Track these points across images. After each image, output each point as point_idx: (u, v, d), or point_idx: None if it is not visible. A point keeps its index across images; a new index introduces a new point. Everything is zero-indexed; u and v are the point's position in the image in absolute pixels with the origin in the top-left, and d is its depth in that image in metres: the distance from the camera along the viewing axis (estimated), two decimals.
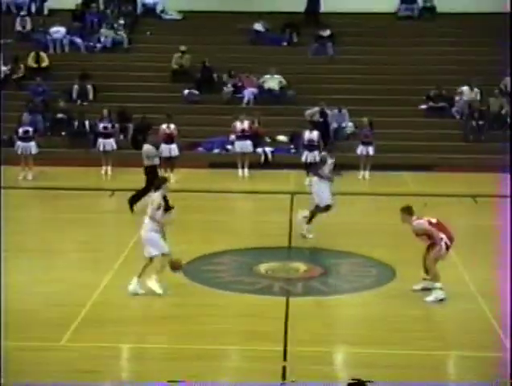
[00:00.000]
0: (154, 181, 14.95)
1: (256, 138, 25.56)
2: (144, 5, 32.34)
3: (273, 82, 28.16)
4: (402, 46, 29.63)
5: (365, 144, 24.43)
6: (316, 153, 23.50)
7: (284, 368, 10.75)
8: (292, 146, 26.26)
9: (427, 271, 13.75)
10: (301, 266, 15.37)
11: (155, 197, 13.54)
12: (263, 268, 15.23)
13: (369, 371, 10.51)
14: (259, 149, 25.87)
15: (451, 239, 13.62)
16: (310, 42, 30.09)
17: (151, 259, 13.58)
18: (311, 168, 17.45)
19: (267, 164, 25.55)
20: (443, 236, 13.52)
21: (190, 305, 13.12)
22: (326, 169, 17.40)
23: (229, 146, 25.92)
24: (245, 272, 15.01)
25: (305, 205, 20.02)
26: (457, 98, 27.20)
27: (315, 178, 17.59)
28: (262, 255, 16.08)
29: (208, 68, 28.69)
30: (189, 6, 31.49)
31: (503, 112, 26.67)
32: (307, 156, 23.62)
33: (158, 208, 13.44)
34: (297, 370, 10.73)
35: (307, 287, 14.28)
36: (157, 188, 13.75)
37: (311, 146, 23.65)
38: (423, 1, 31.35)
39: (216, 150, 26.33)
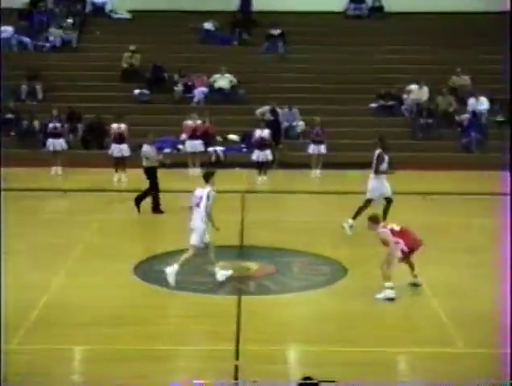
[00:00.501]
0: (208, 175, 14.42)
1: (207, 138, 25.56)
2: (93, 4, 32.15)
3: (223, 81, 28.17)
4: (351, 45, 29.82)
5: (317, 143, 24.56)
6: (268, 152, 23.56)
7: (236, 367, 10.77)
8: (243, 145, 26.30)
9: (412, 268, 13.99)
10: (253, 265, 15.39)
11: (210, 191, 13.96)
12: (215, 267, 15.20)
13: (321, 369, 10.55)
14: (210, 149, 25.87)
15: (411, 246, 13.77)
16: (260, 41, 30.14)
17: (200, 248, 14.06)
18: (373, 166, 17.69)
19: (219, 163, 25.55)
20: (400, 241, 13.67)
21: (142, 306, 13.07)
22: (384, 166, 17.68)
23: (180, 146, 25.87)
24: (197, 271, 14.99)
25: (255, 204, 20.12)
26: (406, 97, 27.44)
27: (371, 175, 17.78)
28: (215, 254, 16.04)
29: (158, 68, 28.61)
30: (138, 5, 31.38)
31: (451, 110, 26.96)
32: (259, 155, 23.67)
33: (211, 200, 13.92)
34: (249, 369, 10.74)
35: (259, 286, 14.31)
36: (207, 181, 14.12)
37: (262, 145, 23.71)
38: (372, 0, 31.57)
39: (167, 150, 26.24)
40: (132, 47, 28.97)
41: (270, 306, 13.36)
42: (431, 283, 14.29)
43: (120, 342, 11.64)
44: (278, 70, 28.89)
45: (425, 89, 27.30)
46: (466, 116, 26.58)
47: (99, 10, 32.06)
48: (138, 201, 19.24)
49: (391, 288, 13.59)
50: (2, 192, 20.36)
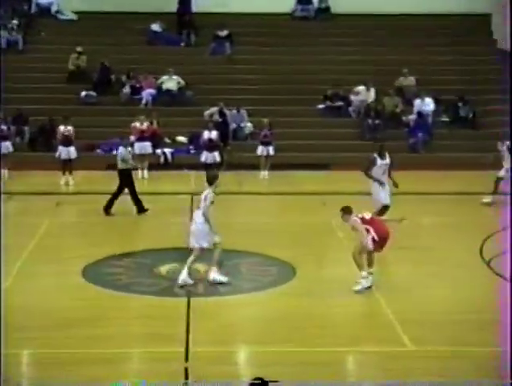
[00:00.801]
0: (211, 178, 14.66)
1: (155, 139, 25.47)
2: (38, 5, 31.83)
3: (171, 83, 28.11)
4: (298, 46, 29.93)
5: (265, 144, 24.63)
6: (216, 153, 23.57)
7: (186, 369, 10.76)
8: (192, 147, 26.26)
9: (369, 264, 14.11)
10: (202, 267, 15.37)
11: (208, 193, 14.17)
12: (164, 269, 15.19)
13: (271, 369, 10.59)
14: (158, 151, 25.80)
15: (381, 234, 13.98)
16: (208, 42, 30.12)
17: (202, 249, 14.08)
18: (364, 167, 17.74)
19: (167, 165, 25.49)
20: (370, 229, 13.89)
21: (90, 309, 12.99)
22: (378, 170, 17.62)
23: (129, 148, 25.70)
24: (146, 273, 14.95)
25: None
26: (353, 98, 27.64)
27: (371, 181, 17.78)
28: (163, 256, 16.04)
29: (105, 69, 28.44)
30: (84, 6, 31.12)
31: (397, 110, 27.22)
32: (207, 156, 23.66)
33: (212, 203, 14.14)
34: (199, 370, 10.74)
35: (207, 287, 14.29)
36: (210, 184, 14.31)
37: (210, 147, 23.71)
38: (319, 2, 31.73)
39: (114, 152, 26.08)
40: (79, 49, 28.78)
41: (220, 308, 13.37)
42: (379, 282, 14.41)
43: (69, 345, 11.56)
44: (226, 71, 28.91)
45: (372, 90, 27.53)
46: (412, 116, 26.86)
47: (45, 11, 31.75)
48: (108, 206, 19.29)
49: (366, 277, 13.80)
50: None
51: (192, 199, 20.54)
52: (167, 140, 26.38)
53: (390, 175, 17.73)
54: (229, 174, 24.06)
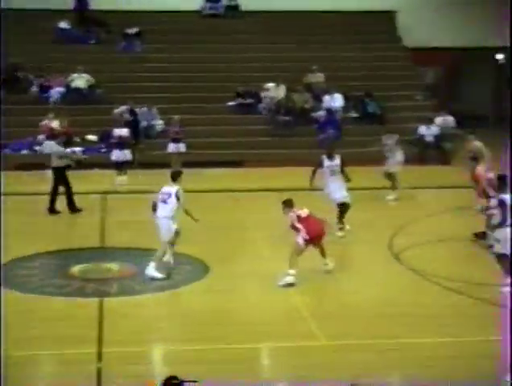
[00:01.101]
0: (175, 175, 15.35)
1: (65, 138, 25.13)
2: None
3: (80, 81, 27.80)
4: (208, 43, 29.94)
5: (176, 141, 24.57)
6: (127, 151, 23.41)
7: (99, 370, 10.70)
8: (102, 145, 26.02)
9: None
10: (114, 266, 15.29)
11: (179, 189, 14.83)
12: (76, 269, 15.06)
13: (185, 367, 10.59)
14: (68, 150, 25.46)
15: (312, 233, 14.33)
16: (117, 40, 29.90)
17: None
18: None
19: (77, 164, 25.17)
20: (301, 228, 14.26)
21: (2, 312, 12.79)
22: (326, 171, 17.61)
23: (38, 147, 25.40)
24: (58, 274, 14.80)
25: (115, 205, 19.97)
26: (264, 95, 27.79)
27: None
28: (75, 256, 15.90)
29: (13, 68, 27.95)
30: None
31: (307, 107, 27.47)
32: (118, 155, 23.49)
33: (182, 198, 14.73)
34: (113, 371, 10.69)
35: (121, 287, 14.22)
36: (175, 180, 14.99)
37: (121, 145, 23.53)
38: None
39: (23, 151, 25.72)
40: None
41: (133, 307, 13.31)
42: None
43: None
44: (136, 69, 28.74)
45: (282, 87, 27.71)
46: (322, 112, 27.15)
47: None
48: (52, 204, 19.29)
49: (293, 275, 14.09)
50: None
51: (103, 198, 20.40)
52: (77, 139, 26.07)
53: (343, 173, 17.70)
54: (140, 173, 24.04)
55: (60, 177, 19.38)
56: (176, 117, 24.83)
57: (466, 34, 30.97)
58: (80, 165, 20.60)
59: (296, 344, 11.76)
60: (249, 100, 27.90)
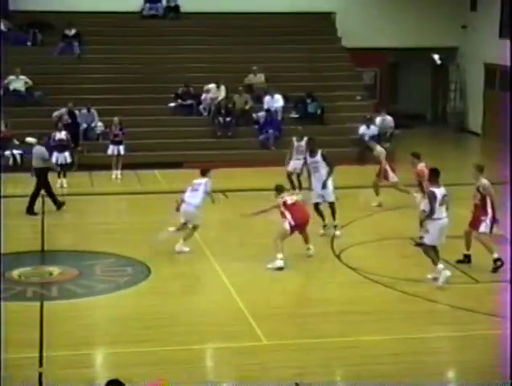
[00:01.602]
0: (205, 171, 16.87)
1: (3, 141, 24.87)
2: None
3: (18, 83, 27.46)
4: (148, 45, 29.81)
5: (116, 143, 24.45)
6: (67, 153, 23.20)
7: (40, 374, 10.63)
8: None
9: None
10: (55, 269, 15.18)
11: (207, 181, 16.46)
12: (16, 273, 14.92)
13: (128, 370, 10.60)
14: (7, 152, 25.20)
15: (298, 219, 15.36)
16: (56, 41, 29.60)
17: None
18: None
19: (17, 167, 24.93)
20: (287, 214, 15.35)
21: None
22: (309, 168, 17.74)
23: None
24: None
25: (55, 207, 19.79)
26: (204, 96, 27.79)
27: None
28: (15, 260, 15.74)
29: None
30: None
31: (247, 107, 27.54)
32: (58, 157, 23.26)
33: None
34: (54, 375, 10.63)
35: (61, 290, 14.13)
36: (204, 175, 16.60)
37: (60, 147, 23.31)
38: (167, 0, 31.71)
39: None
40: None
41: (74, 310, 13.23)
42: (233, 278, 14.62)
43: None
44: (75, 71, 28.48)
45: (222, 88, 27.73)
46: (262, 113, 27.24)
47: None
48: (30, 206, 19.37)
49: (281, 259, 15.08)
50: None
51: (42, 201, 20.20)
52: (16, 141, 25.77)
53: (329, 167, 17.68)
54: (80, 175, 23.85)
55: (42, 178, 19.71)
56: (116, 118, 24.69)
57: (403, 35, 31.32)
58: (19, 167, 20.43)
59: (239, 345, 11.82)
60: (189, 102, 27.86)
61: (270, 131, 26.71)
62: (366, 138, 25.49)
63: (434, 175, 14.60)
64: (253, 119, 27.36)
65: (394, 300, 13.82)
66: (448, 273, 14.22)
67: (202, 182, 16.47)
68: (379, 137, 25.91)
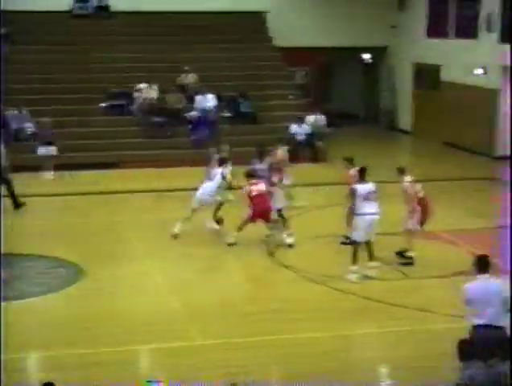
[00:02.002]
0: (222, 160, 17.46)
1: None
2: None
3: None
4: (79, 44, 29.54)
5: (47, 144, 24.19)
6: None
7: None
8: None
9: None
10: None
11: (225, 170, 17.00)
12: None
13: (60, 373, 10.52)
14: None
15: (258, 209, 16.23)
16: None
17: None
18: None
19: None
20: (250, 205, 16.35)
21: None
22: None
23: None
24: None
25: None
26: (136, 95, 27.66)
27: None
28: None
29: None
30: None
31: (180, 107, 27.48)
32: None
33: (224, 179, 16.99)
34: None
35: None
36: (221, 165, 17.13)
37: None
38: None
39: None
40: None
41: (6, 314, 13.05)
42: (167, 279, 14.61)
43: None
44: (5, 71, 28.09)
45: (154, 88, 27.64)
46: (195, 113, 27.21)
47: None
48: (15, 202, 19.78)
49: (235, 237, 16.47)
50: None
51: None
52: None
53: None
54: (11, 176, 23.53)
55: (5, 176, 19.98)
56: (47, 119, 24.43)
57: (335, 35, 31.60)
58: None
59: (174, 345, 11.82)
60: (120, 102, 27.69)
61: (203, 131, 26.70)
62: (299, 137, 25.68)
63: (361, 173, 14.97)
64: (186, 119, 27.32)
65: (329, 297, 13.95)
66: (354, 277, 14.45)
67: (219, 172, 17.04)
68: (312, 136, 26.13)
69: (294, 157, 25.41)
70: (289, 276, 15.09)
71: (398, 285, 14.56)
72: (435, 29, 29.67)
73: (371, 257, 14.79)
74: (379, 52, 33.22)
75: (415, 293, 14.26)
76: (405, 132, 31.91)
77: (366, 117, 35.24)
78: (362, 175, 14.90)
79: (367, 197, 14.55)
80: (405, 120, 32.12)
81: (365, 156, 19.74)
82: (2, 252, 15.67)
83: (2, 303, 13.36)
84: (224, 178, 17.00)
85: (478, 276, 10.00)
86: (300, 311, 13.24)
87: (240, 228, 16.55)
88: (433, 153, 26.38)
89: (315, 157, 26.46)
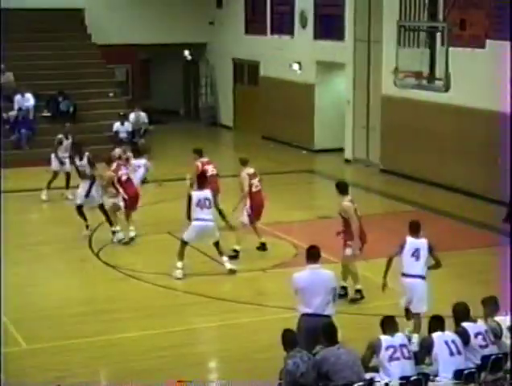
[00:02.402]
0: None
1: None
2: None
3: None
4: None
5: None
6: None
7: None
8: None
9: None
10: None
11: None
12: None
13: None
14: None
15: (129, 195, 16.44)
16: None
17: None
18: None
19: None
20: (120, 189, 16.50)
21: None
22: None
23: None
24: None
25: None
26: None
27: None
28: None
29: None
30: None
31: None
32: None
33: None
34: None
35: None
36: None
37: None
38: None
39: None
40: None
41: None
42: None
43: None
44: None
45: None
46: (13, 113, 26.56)
47: None
48: None
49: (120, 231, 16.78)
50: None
51: None
52: None
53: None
54: None
55: None
56: None
57: (154, 31, 31.51)
58: None
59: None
60: None
61: (23, 131, 26.15)
62: (121, 135, 25.56)
63: (199, 179, 15.37)
64: (3, 119, 26.62)
65: (155, 295, 14.03)
66: (178, 273, 14.62)
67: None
68: (133, 134, 26.07)
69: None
70: (114, 275, 15.04)
71: (224, 279, 14.78)
72: (253, 26, 30.21)
73: (221, 254, 14.96)
74: (199, 49, 33.45)
75: (241, 286, 14.53)
76: (227, 127, 32.31)
77: (187, 113, 35.44)
78: (200, 183, 15.05)
79: (201, 204, 14.61)
80: (226, 115, 32.53)
81: (190, 153, 19.79)
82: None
83: None
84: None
85: (307, 266, 10.27)
86: (126, 310, 13.26)
87: (115, 221, 16.74)
88: (252, 147, 26.85)
89: (138, 154, 26.33)
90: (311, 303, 10.03)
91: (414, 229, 11.81)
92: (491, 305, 9.90)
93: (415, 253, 11.59)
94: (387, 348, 9.07)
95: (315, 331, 9.46)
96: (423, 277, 11.60)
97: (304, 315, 10.09)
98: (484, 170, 19.50)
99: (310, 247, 10.54)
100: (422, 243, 11.70)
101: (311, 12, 26.88)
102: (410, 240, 11.73)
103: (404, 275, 11.61)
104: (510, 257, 14.54)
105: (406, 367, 9.04)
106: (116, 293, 14.09)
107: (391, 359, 9.04)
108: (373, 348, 9.18)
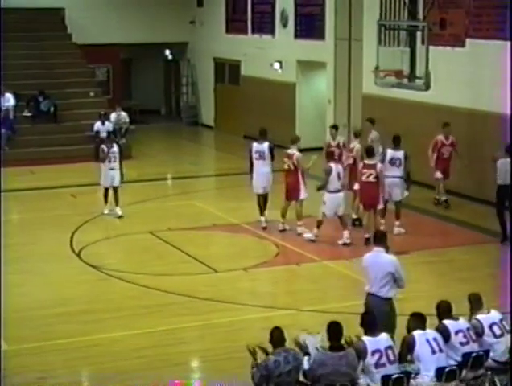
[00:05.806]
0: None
1: None
2: None
3: None
4: None
5: None
6: None
7: None
8: None
9: None
10: None
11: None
12: None
13: None
14: None
15: None
16: None
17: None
18: None
19: None
20: None
21: None
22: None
23: None
24: None
25: None
26: None
27: None
28: None
29: None
30: None
31: None
32: None
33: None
34: None
35: None
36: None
37: None
38: None
39: None
40: None
41: None
42: None
43: None
44: None
45: None
46: None
47: None
48: None
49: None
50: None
51: None
52: None
53: None
54: None
55: None
56: None
57: (135, 31, 31.42)
58: None
59: None
60: None
61: (3, 131, 26.02)
62: (102, 135, 25.49)
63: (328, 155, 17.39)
64: None
65: (136, 295, 14.00)
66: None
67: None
68: (114, 133, 25.99)
69: (98, 155, 25.31)
70: (96, 276, 15.00)
71: (203, 279, 14.78)
72: (234, 25, 30.19)
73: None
74: (180, 48, 33.41)
75: (223, 285, 14.53)
76: (208, 127, 32.27)
77: (168, 113, 35.40)
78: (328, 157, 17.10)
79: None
80: (208, 115, 32.49)
81: (171, 151, 19.84)
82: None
83: None
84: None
85: (374, 248, 10.86)
86: (107, 311, 13.22)
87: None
88: (234, 147, 26.81)
89: (120, 154, 26.27)
90: (373, 283, 10.63)
91: (396, 142, 17.09)
92: (477, 302, 9.98)
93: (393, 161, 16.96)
94: (373, 353, 9.02)
95: (374, 311, 9.85)
96: (401, 178, 16.92)
97: (368, 294, 10.71)
98: (464, 168, 19.56)
99: (377, 231, 12.52)
100: (400, 153, 16.99)
101: (292, 11, 26.92)
102: (389, 151, 17.06)
103: (387, 176, 16.39)
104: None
105: (392, 372, 9.02)
106: (98, 294, 14.06)
107: (377, 365, 9.00)
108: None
